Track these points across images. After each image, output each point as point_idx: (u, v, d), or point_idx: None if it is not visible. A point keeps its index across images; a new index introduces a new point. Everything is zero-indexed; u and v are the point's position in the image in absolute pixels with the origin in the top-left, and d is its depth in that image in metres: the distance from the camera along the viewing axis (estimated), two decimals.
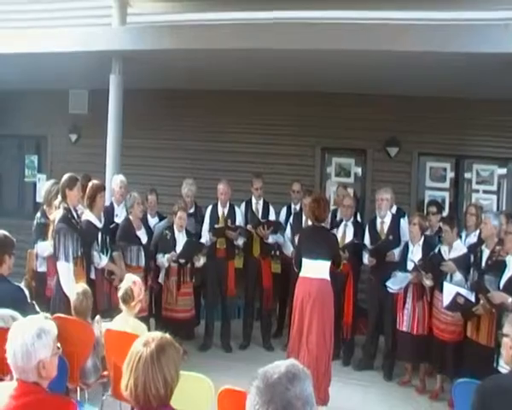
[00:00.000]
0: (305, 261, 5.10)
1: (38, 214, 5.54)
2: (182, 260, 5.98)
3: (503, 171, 8.12)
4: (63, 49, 6.86)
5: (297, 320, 5.03)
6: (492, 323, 4.72)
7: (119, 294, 4.16)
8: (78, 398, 3.89)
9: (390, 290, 5.71)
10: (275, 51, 6.24)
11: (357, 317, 6.35)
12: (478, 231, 5.66)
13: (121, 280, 4.47)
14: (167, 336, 2.23)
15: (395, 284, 5.66)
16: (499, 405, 2.53)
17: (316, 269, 5.02)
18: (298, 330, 5.00)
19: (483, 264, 5.06)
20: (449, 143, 7.93)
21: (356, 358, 6.31)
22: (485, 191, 8.10)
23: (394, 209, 6.27)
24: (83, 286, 4.32)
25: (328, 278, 5.05)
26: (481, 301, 4.83)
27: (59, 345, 2.47)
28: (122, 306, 4.16)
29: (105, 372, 4.06)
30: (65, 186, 4.79)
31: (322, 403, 4.70)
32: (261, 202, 6.80)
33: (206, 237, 6.48)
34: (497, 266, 4.80)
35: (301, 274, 5.12)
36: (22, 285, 4.47)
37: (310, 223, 6.20)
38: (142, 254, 5.83)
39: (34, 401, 2.27)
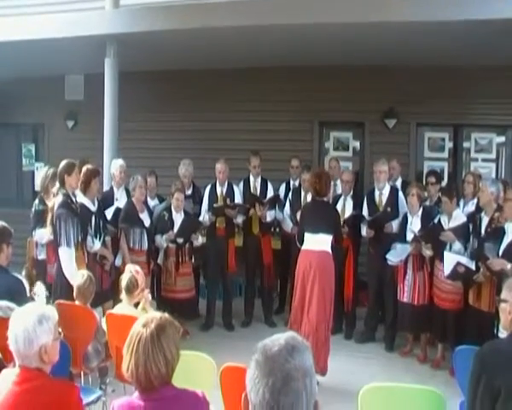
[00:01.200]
0: (306, 236, 5.14)
1: (36, 201, 5.54)
2: (180, 240, 6.00)
3: (502, 139, 8.07)
4: (57, 34, 6.83)
5: (299, 292, 5.07)
6: (493, 290, 4.74)
7: (123, 284, 4.16)
8: (82, 383, 3.95)
9: (390, 263, 5.73)
10: (270, 27, 6.20)
11: (359, 290, 6.40)
12: (476, 200, 5.67)
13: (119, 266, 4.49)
14: (166, 315, 2.24)
15: (395, 256, 5.69)
16: (497, 369, 2.55)
17: (317, 242, 5.06)
18: (300, 302, 5.05)
19: (482, 231, 5.08)
20: (447, 113, 7.86)
21: (358, 331, 6.37)
22: (483, 160, 8.06)
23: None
24: (87, 272, 4.34)
25: (330, 251, 5.08)
26: (481, 269, 4.86)
27: (60, 330, 2.49)
28: (124, 295, 4.17)
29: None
30: (63, 172, 4.79)
31: (320, 373, 4.75)
32: (259, 179, 6.81)
33: (204, 217, 6.51)
34: (497, 233, 4.82)
35: (303, 247, 5.16)
36: (23, 274, 4.52)
37: (309, 198, 6.24)
38: (145, 237, 5.87)
39: (37, 387, 2.30)
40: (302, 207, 5.67)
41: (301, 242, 5.23)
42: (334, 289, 5.12)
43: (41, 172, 5.77)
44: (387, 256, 5.70)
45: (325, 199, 5.30)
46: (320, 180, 5.18)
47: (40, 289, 4.27)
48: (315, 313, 4.90)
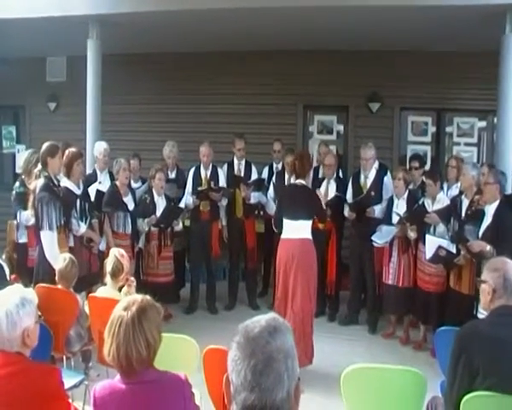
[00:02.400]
0: (285, 222, 5.01)
1: (17, 184, 5.46)
2: (163, 225, 5.99)
3: (483, 123, 8.15)
4: (38, 14, 6.69)
5: (281, 282, 4.96)
6: (473, 272, 4.81)
7: (108, 269, 4.12)
8: (65, 367, 3.93)
9: (375, 245, 5.78)
10: (254, 10, 6.15)
11: (342, 273, 6.44)
12: (459, 183, 5.72)
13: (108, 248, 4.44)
14: (148, 298, 2.24)
15: (380, 238, 5.73)
16: (476, 349, 2.61)
17: (297, 229, 4.93)
18: (283, 292, 4.94)
19: (463, 214, 5.14)
20: (430, 97, 7.91)
21: (341, 314, 6.42)
22: (466, 144, 8.14)
23: (376, 164, 6.29)
24: (69, 255, 4.31)
25: (310, 237, 4.98)
26: (462, 252, 4.92)
27: (40, 313, 2.48)
28: (109, 279, 4.13)
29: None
30: (46, 155, 4.71)
31: (309, 362, 4.74)
32: (243, 162, 6.79)
33: (188, 200, 6.48)
34: (476, 216, 4.89)
35: (283, 235, 5.04)
36: (3, 258, 4.48)
37: (292, 181, 6.24)
38: (129, 220, 5.84)
39: (18, 370, 2.29)
40: (280, 192, 5.50)
41: (279, 227, 5.12)
42: (316, 277, 5.05)
43: (24, 154, 5.66)
44: (373, 238, 5.74)
45: (304, 182, 5.11)
46: (301, 160, 5.06)
47: None
48: (300, 305, 4.81)
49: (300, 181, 5.06)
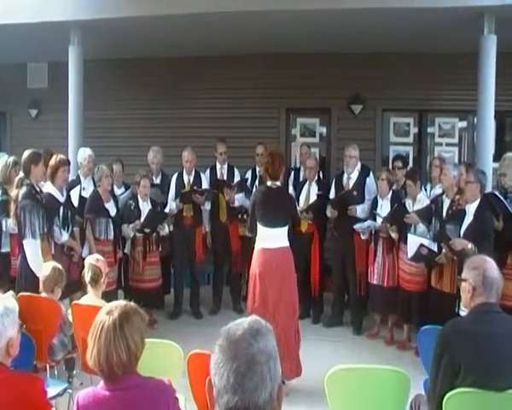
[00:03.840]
0: (261, 229, 4.71)
1: None
2: (147, 230, 5.97)
3: (464, 124, 8.24)
4: (18, 20, 6.64)
5: (259, 295, 4.61)
6: (454, 270, 4.85)
7: (87, 278, 4.08)
8: (48, 375, 3.90)
9: (357, 229, 5.78)
10: (235, 14, 6.16)
11: (325, 274, 6.47)
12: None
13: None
14: (131, 304, 2.23)
15: (361, 227, 5.77)
16: (458, 346, 2.64)
17: (275, 237, 4.67)
18: (261, 305, 4.58)
19: (444, 214, 5.19)
20: (412, 98, 7.97)
21: (325, 315, 6.44)
22: (447, 144, 8.23)
23: (359, 166, 6.34)
24: (54, 263, 4.27)
25: (288, 244, 4.75)
26: (443, 251, 4.98)
27: (20, 322, 2.47)
28: (89, 288, 4.11)
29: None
30: (29, 162, 4.67)
31: (295, 375, 4.57)
32: (226, 166, 6.82)
33: (172, 205, 6.47)
34: (458, 215, 4.95)
35: (259, 245, 4.73)
36: None
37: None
38: (111, 226, 5.82)
39: (0, 380, 2.28)
40: (254, 194, 5.10)
41: (253, 231, 4.85)
42: (296, 283, 4.82)
43: (1, 160, 5.56)
44: (355, 226, 5.78)
45: (278, 183, 4.84)
46: (273, 161, 4.71)
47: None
48: (284, 317, 4.53)
49: (275, 183, 4.78)
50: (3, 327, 2.29)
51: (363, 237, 5.88)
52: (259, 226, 4.73)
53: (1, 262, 5.21)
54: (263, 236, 4.71)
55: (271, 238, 4.67)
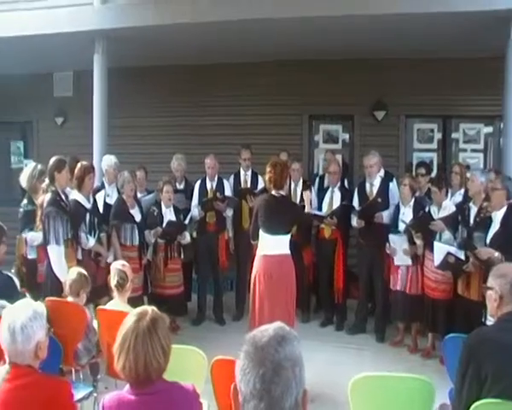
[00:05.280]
0: (263, 235, 4.73)
1: (25, 201, 5.40)
2: (166, 237, 6.02)
3: (490, 129, 8.13)
4: (45, 31, 6.82)
5: (258, 301, 4.68)
6: (482, 279, 4.77)
7: (113, 283, 4.12)
8: (74, 379, 3.95)
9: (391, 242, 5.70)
10: (259, 21, 6.22)
11: (349, 281, 6.44)
12: (463, 190, 5.74)
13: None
14: (154, 308, 2.25)
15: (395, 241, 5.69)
16: (485, 356, 2.60)
17: (276, 245, 4.68)
18: (259, 310, 4.66)
19: (471, 221, 5.12)
20: (435, 104, 7.90)
21: (348, 322, 6.40)
22: (472, 150, 8.12)
23: (382, 172, 6.30)
24: (80, 269, 4.32)
25: (288, 252, 4.75)
26: (471, 259, 4.90)
27: (49, 326, 2.50)
28: (115, 293, 4.14)
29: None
30: (53, 169, 4.76)
31: None
32: (249, 172, 6.83)
33: (194, 212, 6.51)
34: (485, 223, 4.86)
35: (260, 251, 4.75)
36: (12, 272, 4.50)
37: (298, 189, 6.28)
38: (136, 232, 5.87)
39: (29, 383, 2.31)
40: (258, 201, 5.08)
41: (255, 237, 4.87)
42: (295, 293, 4.79)
43: (27, 169, 5.60)
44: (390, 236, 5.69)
45: (283, 192, 4.86)
46: (275, 170, 4.71)
47: None
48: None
49: (278, 192, 4.79)
50: (32, 331, 2.32)
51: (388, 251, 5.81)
52: (261, 233, 4.76)
53: (28, 268, 5.29)
54: (264, 242, 4.75)
55: (272, 245, 4.70)
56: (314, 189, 6.82)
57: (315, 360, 4.91)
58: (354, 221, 6.11)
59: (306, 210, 5.31)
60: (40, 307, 2.47)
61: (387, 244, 5.70)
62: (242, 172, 6.85)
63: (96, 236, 5.36)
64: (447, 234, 5.33)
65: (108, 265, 5.34)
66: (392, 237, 5.65)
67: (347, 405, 2.86)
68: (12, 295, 3.22)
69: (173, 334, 4.30)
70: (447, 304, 5.32)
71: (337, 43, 7.06)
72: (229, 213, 6.63)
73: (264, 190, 6.61)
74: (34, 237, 5.16)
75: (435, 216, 5.46)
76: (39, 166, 5.41)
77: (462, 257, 5.02)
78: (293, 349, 1.40)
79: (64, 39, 6.92)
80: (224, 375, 2.83)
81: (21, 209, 5.40)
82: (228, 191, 6.65)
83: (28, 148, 9.85)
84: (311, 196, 5.31)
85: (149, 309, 2.22)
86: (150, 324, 2.12)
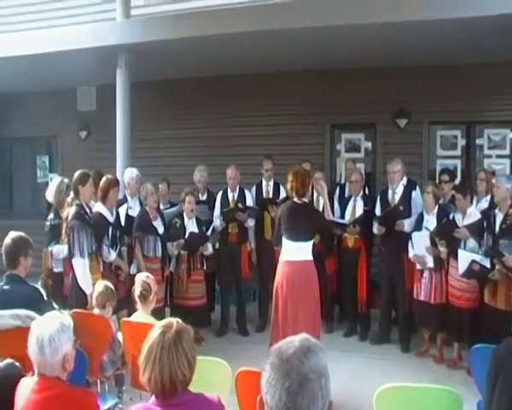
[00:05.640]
0: (285, 242, 4.82)
1: (51, 215, 5.48)
2: (189, 248, 6.05)
3: None
4: (69, 47, 6.98)
5: (281, 308, 4.72)
6: (509, 287, 4.71)
7: (137, 294, 4.16)
8: (99, 390, 3.98)
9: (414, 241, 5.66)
10: (281, 32, 6.26)
11: (372, 291, 6.37)
12: (489, 197, 5.65)
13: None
14: (179, 320, 2.26)
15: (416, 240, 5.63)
16: None
17: (298, 251, 4.74)
18: (283, 318, 4.69)
19: (497, 228, 5.03)
20: (459, 111, 7.82)
21: (372, 332, 6.34)
22: (497, 156, 8.00)
23: (405, 180, 6.25)
24: (106, 282, 4.37)
25: (311, 258, 4.79)
26: (497, 267, 4.82)
27: (75, 338, 2.53)
28: (139, 304, 4.17)
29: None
30: (77, 183, 4.83)
31: None
32: (271, 183, 6.85)
33: (216, 223, 6.55)
34: (511, 230, 4.78)
35: (283, 257, 4.84)
36: (39, 285, 4.56)
37: (321, 199, 6.27)
38: (159, 244, 5.91)
39: (57, 394, 2.34)
40: (281, 208, 5.15)
41: (278, 244, 4.95)
42: (319, 299, 4.82)
43: (53, 183, 5.68)
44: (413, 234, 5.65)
45: (305, 200, 4.92)
46: (296, 179, 4.78)
47: None
48: (302, 329, 4.45)
49: (301, 199, 4.85)
50: (60, 343, 2.35)
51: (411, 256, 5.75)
52: (284, 240, 4.84)
53: (54, 281, 5.37)
54: (287, 249, 4.82)
55: (295, 251, 4.76)
56: (336, 198, 6.81)
57: (339, 371, 4.84)
58: (375, 228, 6.08)
59: (328, 217, 5.28)
60: (67, 319, 2.51)
61: (409, 243, 5.67)
62: (264, 182, 6.87)
63: (118, 249, 5.41)
64: (472, 242, 5.25)
65: (128, 278, 5.40)
66: (414, 234, 5.60)
67: None
68: (40, 307, 3.26)
69: (197, 345, 4.31)
70: (473, 313, 5.24)
71: (359, 51, 7.04)
72: (250, 223, 6.64)
73: (286, 199, 6.63)
74: (60, 250, 5.23)
75: (460, 223, 5.39)
76: (66, 181, 5.48)
77: (488, 265, 4.94)
78: (319, 361, 1.40)
79: (87, 55, 7.06)
80: (248, 386, 2.83)
81: (48, 223, 5.47)
82: (249, 202, 6.67)
83: (53, 162, 10.03)
84: (325, 187, 5.36)
85: (174, 321, 2.22)
86: (175, 336, 2.12)
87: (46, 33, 7.33)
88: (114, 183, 5.36)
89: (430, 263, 5.51)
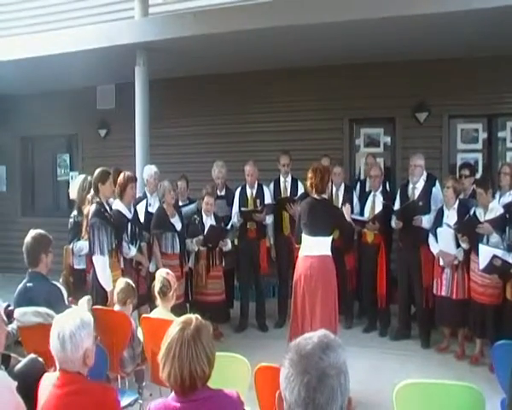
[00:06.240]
0: (304, 238, 4.85)
1: (75, 212, 5.55)
2: (209, 245, 6.07)
3: None
4: (88, 46, 7.04)
5: (300, 302, 4.76)
6: None
7: (156, 289, 4.18)
8: (119, 386, 4.02)
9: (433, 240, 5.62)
10: (298, 27, 6.23)
11: (392, 286, 6.31)
12: None
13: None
14: (198, 316, 2.27)
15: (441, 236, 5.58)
16: None
17: (316, 246, 4.76)
18: (302, 313, 4.74)
19: None
20: (479, 104, 7.68)
21: (392, 328, 6.30)
22: None
23: (425, 175, 6.19)
24: (126, 279, 4.40)
25: (330, 254, 4.81)
26: None
27: (95, 334, 2.56)
28: (159, 300, 4.19)
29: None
30: (97, 181, 4.88)
31: None
32: (289, 179, 6.84)
33: (235, 219, 6.57)
34: None
35: (302, 252, 4.88)
36: (60, 282, 4.63)
37: (340, 194, 6.25)
38: (177, 241, 5.94)
39: (77, 389, 2.38)
40: (300, 205, 5.21)
41: (299, 240, 4.98)
42: (337, 294, 4.84)
43: (77, 180, 5.77)
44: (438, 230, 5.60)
45: (325, 196, 4.96)
46: (315, 176, 4.83)
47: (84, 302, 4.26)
48: (319, 324, 4.47)
49: (320, 195, 4.89)
50: (80, 339, 2.39)
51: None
52: (303, 235, 4.88)
53: (76, 278, 5.43)
54: (306, 244, 4.86)
55: (313, 246, 4.79)
56: (356, 193, 6.77)
57: (358, 367, 4.81)
58: (393, 222, 6.05)
59: (347, 219, 5.24)
60: (87, 315, 2.54)
61: (430, 239, 5.62)
62: (282, 178, 6.86)
63: (138, 245, 5.45)
64: (495, 237, 5.18)
65: (149, 274, 5.44)
66: (439, 229, 5.54)
67: None
68: (57, 307, 3.29)
69: (217, 341, 4.33)
70: (496, 309, 5.16)
71: (377, 46, 6.98)
72: (268, 220, 6.65)
73: (305, 195, 6.62)
74: (82, 246, 5.30)
75: (481, 218, 5.32)
76: (89, 178, 5.51)
77: (510, 260, 4.87)
78: (338, 357, 1.40)
79: (106, 53, 7.12)
80: (267, 382, 2.83)
81: (71, 220, 5.55)
82: (268, 198, 6.68)
83: (73, 160, 10.13)
84: (350, 210, 5.30)
85: (193, 318, 2.23)
86: (195, 332, 2.14)
87: (65, 33, 7.41)
88: (131, 179, 5.41)
89: (460, 257, 5.44)
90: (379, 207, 6.21)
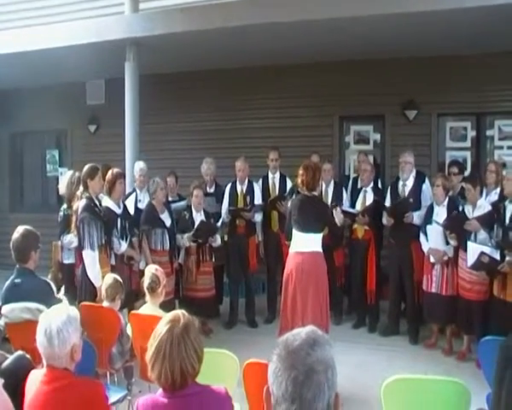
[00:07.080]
0: (295, 234, 4.84)
1: (64, 206, 5.55)
2: (199, 240, 6.06)
3: None
4: (77, 41, 6.99)
5: (290, 298, 4.74)
6: None
7: (145, 285, 4.17)
8: (108, 382, 4.01)
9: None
10: (289, 24, 6.23)
11: (382, 283, 6.36)
12: (498, 189, 5.59)
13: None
14: (184, 312, 2.26)
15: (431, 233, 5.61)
16: None
17: (307, 242, 4.75)
18: (292, 308, 4.72)
19: (507, 221, 5.00)
20: (468, 102, 7.73)
21: (381, 324, 6.33)
22: (509, 147, 7.88)
23: (414, 172, 6.22)
24: (114, 275, 4.40)
25: (321, 250, 4.81)
26: (507, 258, 4.79)
27: (82, 329, 2.56)
28: (148, 296, 4.19)
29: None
30: (86, 177, 4.88)
31: None
32: (277, 175, 6.85)
33: (224, 216, 6.58)
34: None
35: (292, 249, 4.86)
36: (49, 278, 4.60)
37: (330, 190, 6.26)
38: (167, 237, 5.92)
39: (65, 385, 2.37)
40: (291, 201, 5.21)
41: (289, 237, 4.97)
42: (328, 290, 4.82)
43: (66, 176, 5.78)
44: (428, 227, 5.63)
45: (315, 193, 4.96)
46: (307, 173, 4.81)
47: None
48: (311, 320, 4.39)
49: (311, 192, 4.88)
50: (68, 334, 2.38)
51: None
52: (294, 231, 4.86)
53: (65, 273, 5.41)
54: (296, 240, 4.84)
55: (304, 243, 4.77)
56: (347, 190, 6.79)
57: (347, 363, 4.87)
58: (384, 219, 6.07)
59: (337, 221, 5.13)
60: (73, 311, 2.53)
61: (421, 236, 5.66)
62: (270, 175, 6.87)
63: (128, 240, 5.44)
64: (483, 234, 5.21)
65: (141, 269, 5.43)
66: (429, 227, 5.58)
67: (380, 408, 2.83)
68: (49, 301, 3.28)
69: (206, 337, 4.32)
70: (483, 305, 5.21)
71: (367, 43, 7.00)
72: (257, 218, 6.66)
73: (292, 190, 6.63)
74: (72, 238, 5.27)
75: (469, 216, 5.35)
76: (77, 174, 5.52)
77: (497, 257, 4.91)
78: (326, 353, 1.41)
79: (96, 48, 7.08)
80: (256, 378, 2.83)
81: (61, 213, 5.55)
82: (258, 194, 6.68)
83: (63, 156, 10.06)
84: (341, 214, 5.24)
85: (180, 314, 2.22)
86: (183, 330, 2.13)
87: (55, 28, 7.36)
88: (120, 175, 5.39)
89: (450, 253, 5.48)
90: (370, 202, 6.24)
